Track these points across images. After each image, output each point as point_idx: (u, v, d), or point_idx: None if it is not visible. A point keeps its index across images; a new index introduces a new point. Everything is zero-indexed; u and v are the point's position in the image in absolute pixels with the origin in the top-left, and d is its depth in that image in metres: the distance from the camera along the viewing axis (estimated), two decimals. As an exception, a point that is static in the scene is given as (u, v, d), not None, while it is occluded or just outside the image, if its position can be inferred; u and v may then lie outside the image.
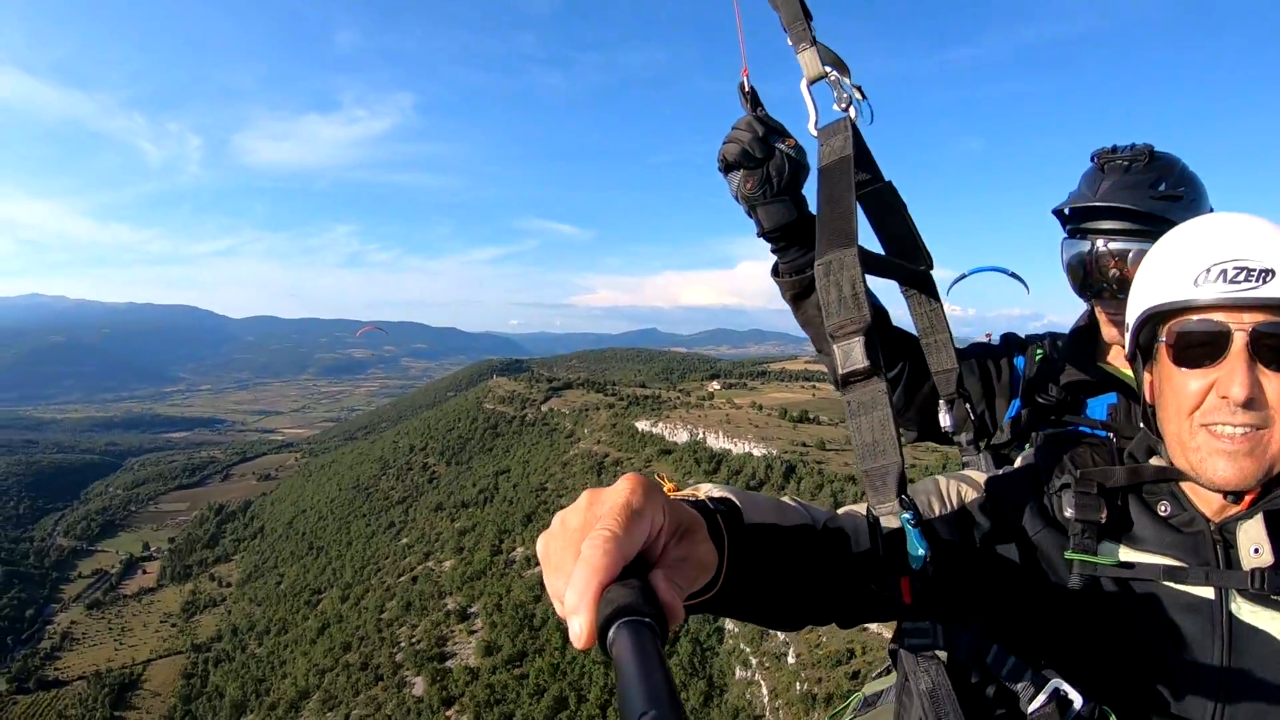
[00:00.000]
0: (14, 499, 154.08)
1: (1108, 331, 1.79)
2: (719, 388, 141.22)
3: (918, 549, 1.04)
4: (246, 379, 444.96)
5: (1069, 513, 1.14)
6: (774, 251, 1.74)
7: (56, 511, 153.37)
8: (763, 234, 1.69)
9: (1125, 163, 1.68)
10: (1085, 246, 1.71)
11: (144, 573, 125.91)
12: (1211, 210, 1.69)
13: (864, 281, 1.14)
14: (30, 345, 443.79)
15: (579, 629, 0.55)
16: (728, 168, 1.63)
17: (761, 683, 54.59)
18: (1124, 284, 1.64)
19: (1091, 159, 1.76)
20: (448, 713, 63.88)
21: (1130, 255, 1.64)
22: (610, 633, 0.53)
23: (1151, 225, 1.61)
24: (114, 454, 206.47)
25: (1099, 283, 1.71)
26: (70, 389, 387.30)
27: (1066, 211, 1.77)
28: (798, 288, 1.73)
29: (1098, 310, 1.80)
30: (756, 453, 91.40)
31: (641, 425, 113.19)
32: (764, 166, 1.58)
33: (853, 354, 1.10)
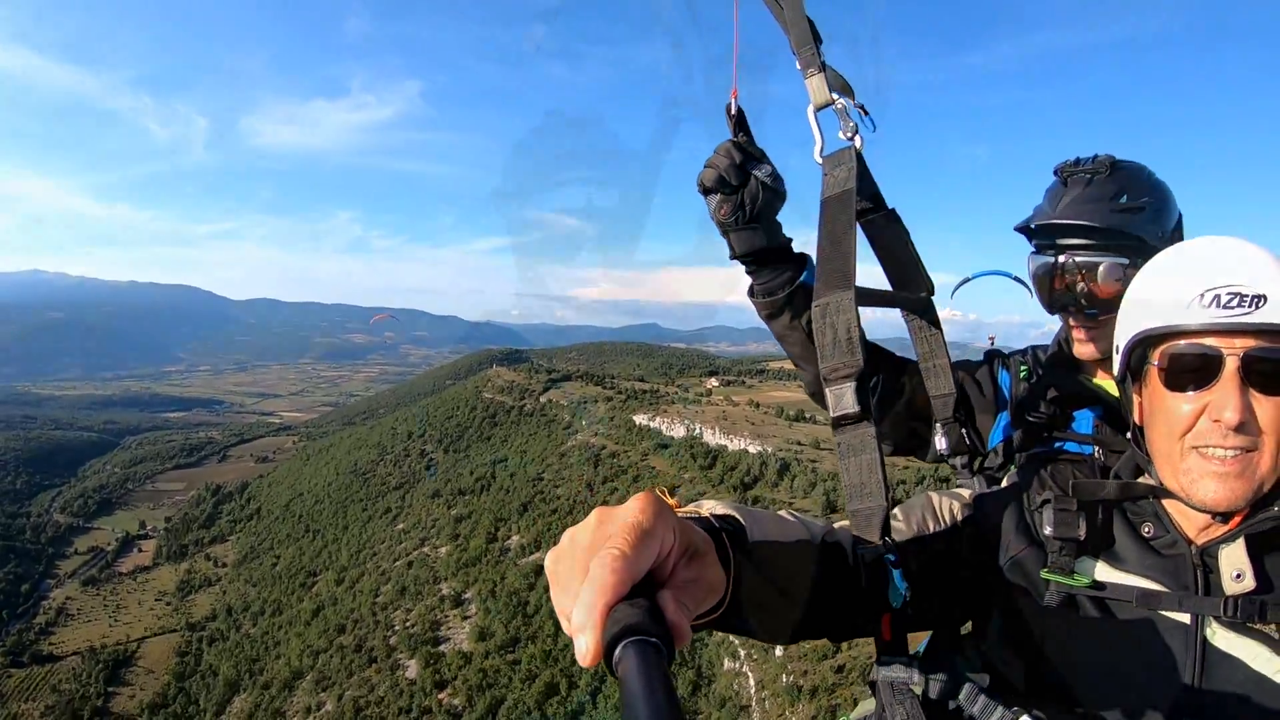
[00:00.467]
0: (11, 474, 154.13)
1: (1079, 349, 1.75)
2: (717, 384, 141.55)
3: (899, 589, 1.06)
4: (246, 361, 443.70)
5: (1047, 530, 1.16)
6: (747, 274, 1.78)
7: (54, 488, 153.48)
8: (734, 257, 1.74)
9: (1087, 175, 1.66)
10: (1051, 261, 1.70)
11: (140, 551, 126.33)
12: (1179, 216, 1.69)
13: (859, 325, 1.15)
14: (30, 322, 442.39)
15: (585, 647, 0.55)
16: (705, 191, 1.68)
17: (749, 674, 55.29)
18: (1092, 298, 1.65)
19: (1055, 173, 1.74)
20: (440, 695, 64.49)
21: (1100, 269, 1.63)
22: (616, 652, 0.53)
23: (1113, 240, 1.62)
24: (112, 432, 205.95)
25: (1065, 297, 1.70)
26: (69, 366, 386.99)
27: (1032, 227, 1.76)
28: (770, 308, 1.77)
29: (1071, 326, 1.78)
30: (752, 449, 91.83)
31: (639, 419, 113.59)
32: (739, 193, 1.62)
33: (844, 399, 1.11)
